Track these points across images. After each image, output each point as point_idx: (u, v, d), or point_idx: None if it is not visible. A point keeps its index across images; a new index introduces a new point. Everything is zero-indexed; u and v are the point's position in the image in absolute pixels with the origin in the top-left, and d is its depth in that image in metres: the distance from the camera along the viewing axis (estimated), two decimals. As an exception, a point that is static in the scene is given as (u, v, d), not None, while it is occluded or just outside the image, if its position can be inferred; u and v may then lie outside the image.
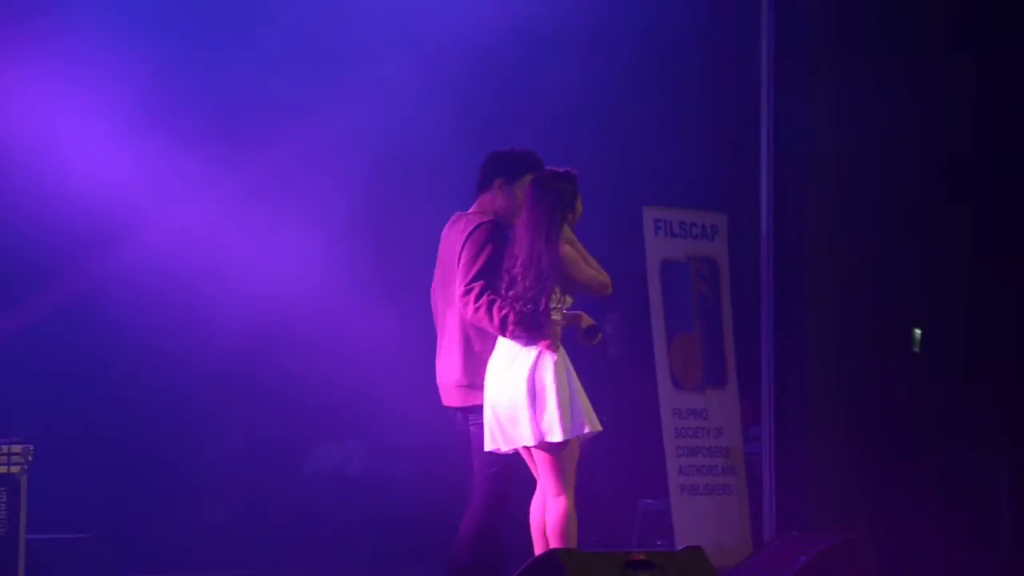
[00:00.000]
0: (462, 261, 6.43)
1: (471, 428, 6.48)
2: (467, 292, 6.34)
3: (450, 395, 6.57)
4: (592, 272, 6.40)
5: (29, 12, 9.67)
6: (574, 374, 6.31)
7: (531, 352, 6.25)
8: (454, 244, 6.55)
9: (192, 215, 9.52)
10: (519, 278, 6.23)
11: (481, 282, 6.33)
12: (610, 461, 9.22)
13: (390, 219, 10.10)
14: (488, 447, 6.30)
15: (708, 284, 8.78)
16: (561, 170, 6.43)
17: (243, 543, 9.89)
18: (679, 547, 7.37)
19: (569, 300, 6.38)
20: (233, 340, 9.62)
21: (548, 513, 6.20)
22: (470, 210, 6.70)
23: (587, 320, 6.50)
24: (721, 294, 8.78)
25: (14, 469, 7.72)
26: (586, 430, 6.22)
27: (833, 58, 8.77)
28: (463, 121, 9.95)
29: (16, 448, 7.77)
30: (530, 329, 6.21)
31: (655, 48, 10.16)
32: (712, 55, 9.86)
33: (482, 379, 6.36)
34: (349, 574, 9.84)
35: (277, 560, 9.77)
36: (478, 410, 6.39)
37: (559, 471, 6.19)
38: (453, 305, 6.49)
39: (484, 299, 6.28)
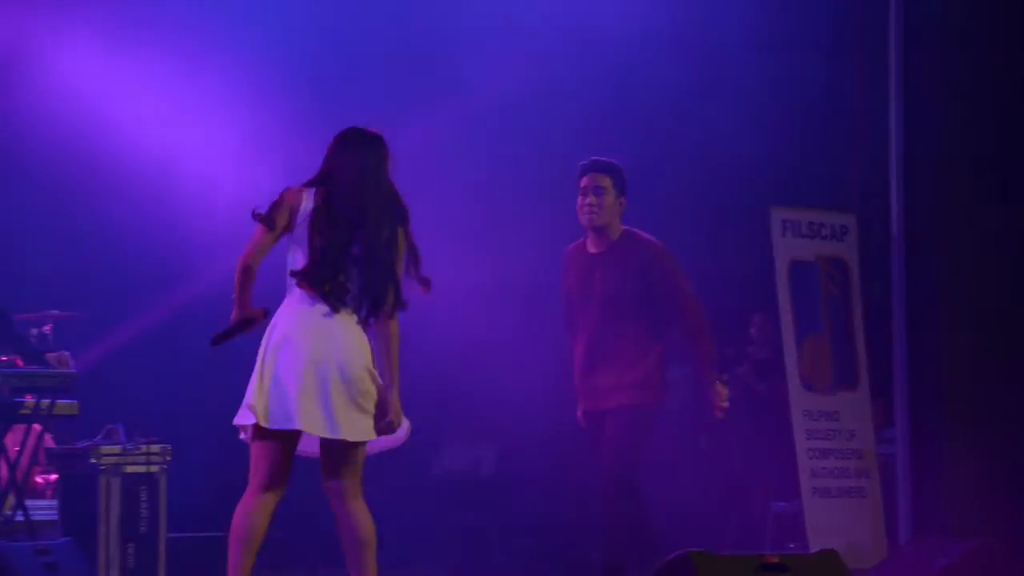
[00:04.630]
0: (673, 277, 6.84)
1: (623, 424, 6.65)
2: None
3: (618, 396, 6.70)
4: None
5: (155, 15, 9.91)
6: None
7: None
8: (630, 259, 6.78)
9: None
10: None
11: None
12: (742, 464, 9.18)
13: (516, 221, 10.14)
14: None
15: (838, 285, 8.70)
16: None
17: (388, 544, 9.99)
18: (812, 550, 7.32)
19: None
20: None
21: None
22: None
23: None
24: (851, 295, 8.70)
25: (153, 469, 7.89)
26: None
27: (964, 52, 8.64)
28: (578, 121, 9.98)
29: (155, 448, 7.93)
30: None
31: (780, 45, 10.11)
32: (840, 51, 9.77)
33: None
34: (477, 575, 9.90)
35: (405, 560, 9.85)
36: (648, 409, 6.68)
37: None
38: (630, 314, 6.71)
39: None
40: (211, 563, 6.86)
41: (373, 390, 5.51)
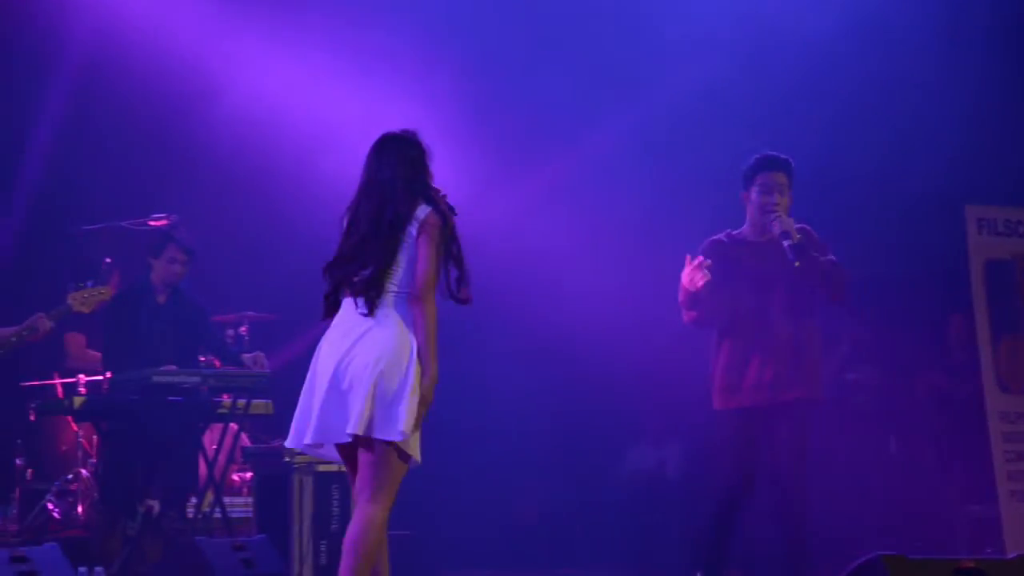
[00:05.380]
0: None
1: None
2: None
3: (798, 389, 6.66)
4: None
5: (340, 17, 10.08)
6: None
7: None
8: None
9: (494, 214, 9.68)
10: None
11: None
12: (937, 467, 9.00)
13: (703, 221, 10.06)
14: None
15: (1037, 284, 8.49)
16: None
17: (556, 542, 10.02)
18: (1010, 555, 7.13)
19: None
20: (547, 341, 9.74)
21: None
22: None
23: None
24: (1050, 293, 8.48)
25: (344, 468, 8.00)
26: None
27: None
28: (761, 120, 9.87)
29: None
30: None
31: (970, 39, 9.86)
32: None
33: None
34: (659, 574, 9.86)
35: (587, 559, 9.86)
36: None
37: None
38: (807, 304, 6.72)
39: None
40: (400, 561, 6.96)
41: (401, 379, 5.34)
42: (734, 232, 6.93)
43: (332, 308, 5.51)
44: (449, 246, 5.46)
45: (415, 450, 5.37)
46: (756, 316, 6.75)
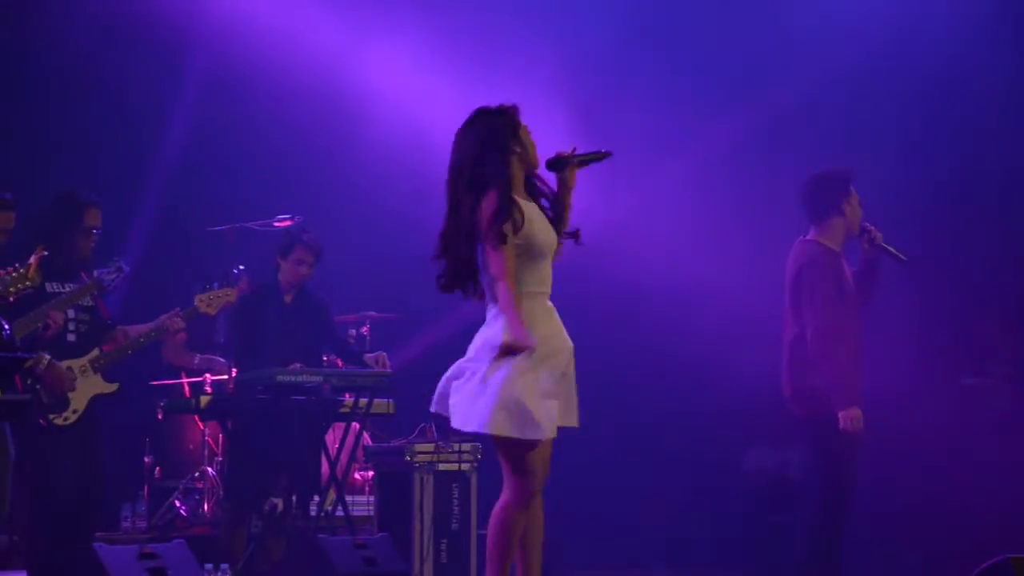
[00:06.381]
0: None
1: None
2: None
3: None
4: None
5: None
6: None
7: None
8: None
9: (614, 214, 9.63)
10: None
11: None
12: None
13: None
14: None
15: None
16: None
17: (676, 543, 9.96)
18: None
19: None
20: (665, 339, 9.68)
21: None
22: None
23: None
24: None
25: (465, 467, 8.04)
26: None
27: None
28: (894, 121, 9.72)
29: (466, 447, 8.08)
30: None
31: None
32: None
33: None
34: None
35: (708, 560, 9.78)
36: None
37: None
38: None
39: None
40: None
41: (485, 371, 5.30)
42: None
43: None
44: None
45: (503, 429, 5.29)
46: (852, 324, 6.90)
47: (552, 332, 5.39)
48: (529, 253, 5.37)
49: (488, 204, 5.32)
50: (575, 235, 5.56)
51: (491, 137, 5.42)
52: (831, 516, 6.73)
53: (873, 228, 6.89)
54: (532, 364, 5.27)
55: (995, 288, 9.34)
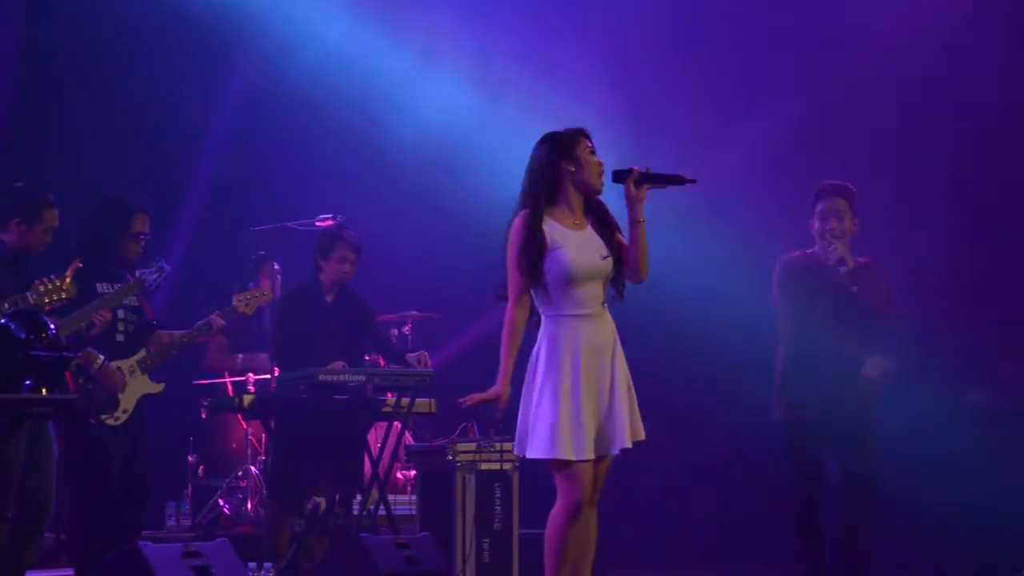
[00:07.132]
0: None
1: None
2: None
3: None
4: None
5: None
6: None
7: None
8: None
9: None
10: None
11: None
12: None
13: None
14: None
15: None
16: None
17: (731, 542, 9.94)
18: None
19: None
20: (719, 339, 9.64)
21: None
22: None
23: None
24: None
25: (507, 467, 8.04)
26: None
27: None
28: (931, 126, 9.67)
29: (508, 446, 8.07)
30: None
31: None
32: None
33: None
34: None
35: (764, 559, 9.74)
36: None
37: None
38: None
39: None
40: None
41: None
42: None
43: None
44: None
45: (538, 451, 5.50)
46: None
47: (587, 352, 5.47)
48: (561, 278, 5.46)
49: (513, 228, 5.50)
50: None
51: (535, 162, 5.57)
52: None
53: (835, 248, 7.01)
54: (564, 387, 5.43)
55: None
